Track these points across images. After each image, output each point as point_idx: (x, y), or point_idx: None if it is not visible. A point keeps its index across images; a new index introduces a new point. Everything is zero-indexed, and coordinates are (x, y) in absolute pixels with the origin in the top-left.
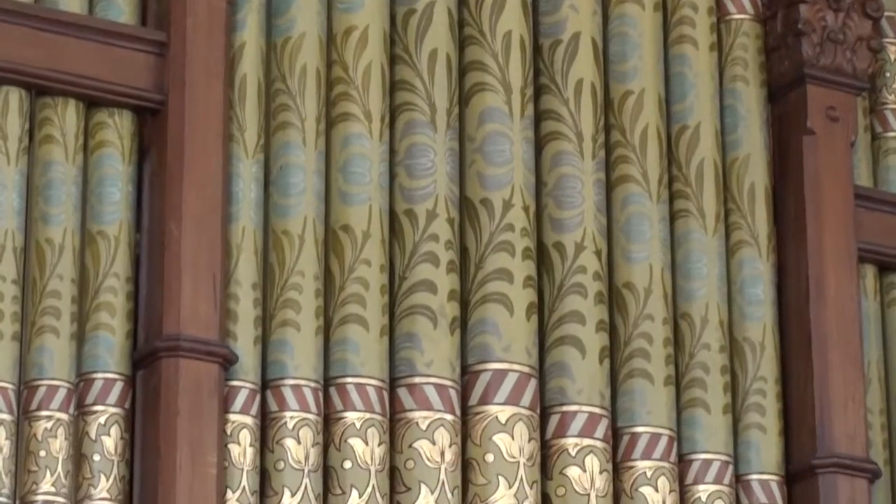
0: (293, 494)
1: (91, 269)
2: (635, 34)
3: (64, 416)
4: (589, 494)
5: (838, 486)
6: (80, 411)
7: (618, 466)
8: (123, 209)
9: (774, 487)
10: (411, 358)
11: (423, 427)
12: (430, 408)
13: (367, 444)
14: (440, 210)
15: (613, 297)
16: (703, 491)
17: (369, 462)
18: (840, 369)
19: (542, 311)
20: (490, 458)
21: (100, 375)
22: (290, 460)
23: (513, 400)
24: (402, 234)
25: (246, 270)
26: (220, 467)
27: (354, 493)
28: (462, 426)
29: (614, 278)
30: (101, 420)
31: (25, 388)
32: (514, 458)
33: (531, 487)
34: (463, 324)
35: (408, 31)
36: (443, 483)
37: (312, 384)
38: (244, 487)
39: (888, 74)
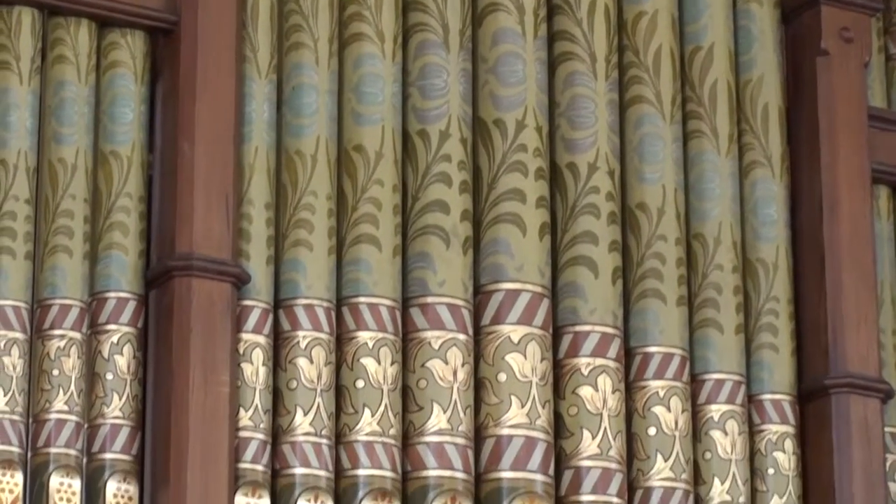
0: (305, 413)
1: (104, 189)
2: None
3: (77, 335)
4: (601, 414)
5: (851, 405)
6: (93, 330)
7: (630, 386)
8: (136, 129)
9: (787, 407)
10: (424, 278)
11: (436, 347)
12: (442, 327)
13: (379, 363)
14: (453, 130)
15: (626, 218)
16: (716, 410)
17: (382, 381)
18: (853, 289)
19: (554, 231)
20: (502, 377)
21: (112, 295)
22: (303, 379)
23: (525, 320)
24: (414, 155)
25: (259, 190)
26: (233, 386)
27: (367, 412)
28: (474, 346)
29: (627, 199)
30: (114, 339)
31: (38, 307)
32: (526, 377)
33: (543, 407)
34: (476, 244)
35: None
36: (455, 402)
37: (325, 304)
38: (257, 406)
39: None
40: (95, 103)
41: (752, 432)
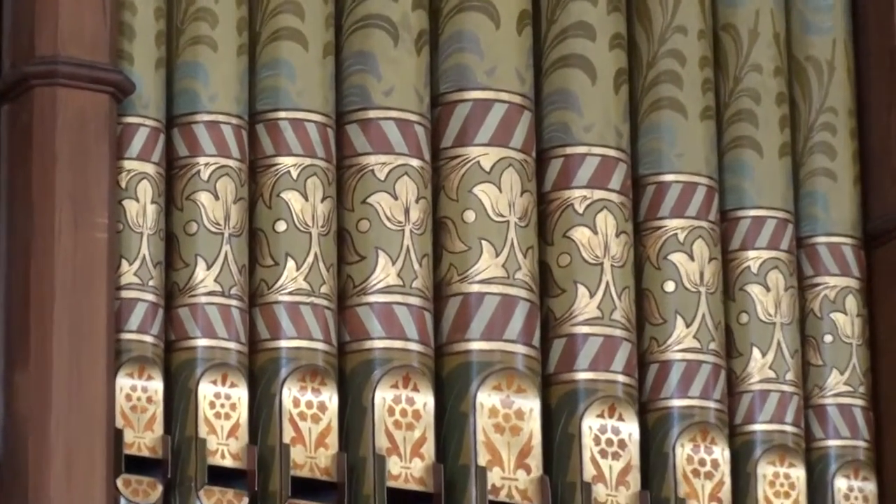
0: (209, 266)
1: None
2: None
3: None
4: (602, 264)
5: None
6: None
7: (640, 227)
8: None
9: (848, 254)
10: (364, 84)
11: (382, 176)
12: (390, 150)
13: (306, 198)
14: None
15: (633, 3)
16: (754, 258)
17: (310, 223)
18: None
19: (537, 22)
20: (470, 216)
21: None
22: (206, 221)
23: (500, 139)
24: None
25: None
26: (112, 230)
27: (290, 263)
28: (433, 175)
29: None
30: None
31: None
32: (502, 216)
33: (525, 255)
34: (433, 40)
35: None
36: (407, 250)
37: (234, 120)
38: (144, 257)
39: None
40: None
41: (802, 287)
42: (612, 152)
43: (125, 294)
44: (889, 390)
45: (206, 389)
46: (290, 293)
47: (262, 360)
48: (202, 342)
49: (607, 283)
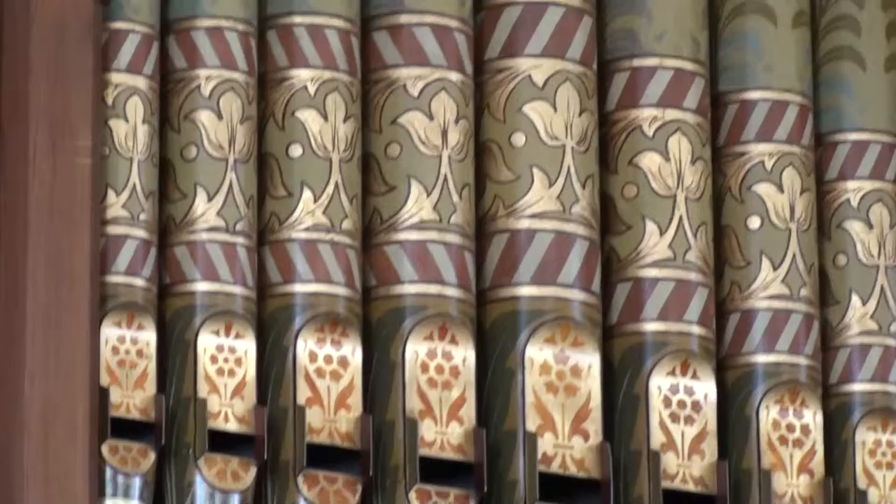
0: (211, 197)
1: None
2: None
3: None
4: (675, 196)
5: None
6: None
7: (720, 153)
8: None
9: None
10: None
11: (415, 93)
12: (424, 62)
13: (325, 118)
14: None
15: None
16: (854, 190)
17: (329, 147)
18: None
19: None
20: (519, 139)
21: None
22: (207, 145)
23: (555, 49)
24: None
25: None
26: (97, 156)
27: (306, 194)
28: (475, 91)
29: None
30: None
31: None
32: (556, 140)
33: (583, 185)
34: None
35: None
36: (444, 179)
37: (240, 26)
38: (134, 187)
39: None
40: None
41: None
42: (687, 65)
43: (112, 230)
44: None
45: (207, 341)
46: (307, 229)
47: (273, 307)
48: (202, 286)
49: (680, 219)
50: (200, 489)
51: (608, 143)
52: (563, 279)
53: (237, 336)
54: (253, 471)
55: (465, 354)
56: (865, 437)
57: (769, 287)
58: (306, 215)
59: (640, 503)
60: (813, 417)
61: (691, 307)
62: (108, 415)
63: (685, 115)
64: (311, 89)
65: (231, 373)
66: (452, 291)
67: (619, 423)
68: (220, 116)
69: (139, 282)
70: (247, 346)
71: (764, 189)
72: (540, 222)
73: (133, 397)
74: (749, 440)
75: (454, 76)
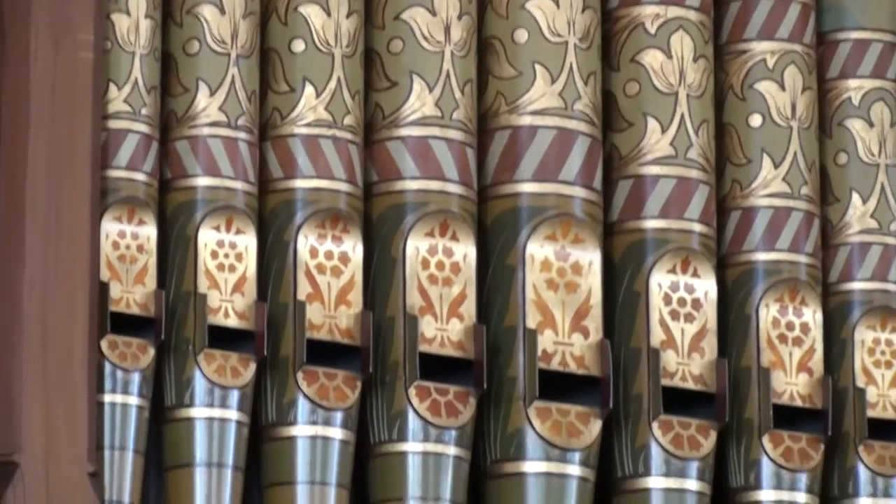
0: (213, 92)
1: None
2: None
3: None
4: (677, 93)
5: None
6: None
7: (722, 50)
8: None
9: None
10: None
11: None
12: None
13: (328, 13)
14: None
15: None
16: (856, 89)
17: (332, 42)
18: None
19: None
20: (522, 36)
21: None
22: (209, 39)
23: None
24: None
25: None
26: (99, 49)
27: (308, 89)
28: None
29: None
30: None
31: None
32: (559, 36)
33: (585, 82)
34: None
35: None
36: (447, 75)
37: None
38: (136, 81)
39: None
40: None
41: None
42: None
43: (113, 124)
44: None
45: (208, 237)
46: (308, 125)
47: (274, 202)
48: (203, 181)
49: (682, 116)
50: (199, 385)
51: (610, 40)
52: (565, 176)
53: (238, 231)
54: (252, 367)
55: (465, 251)
56: (864, 335)
57: (770, 185)
58: (308, 111)
59: (640, 401)
60: (812, 316)
61: (692, 205)
62: (108, 310)
63: (688, 13)
64: None
65: (231, 268)
66: (454, 188)
67: (619, 320)
68: (222, 11)
69: (140, 176)
70: (247, 242)
71: (765, 87)
72: (542, 119)
73: (133, 292)
74: (749, 338)
75: None
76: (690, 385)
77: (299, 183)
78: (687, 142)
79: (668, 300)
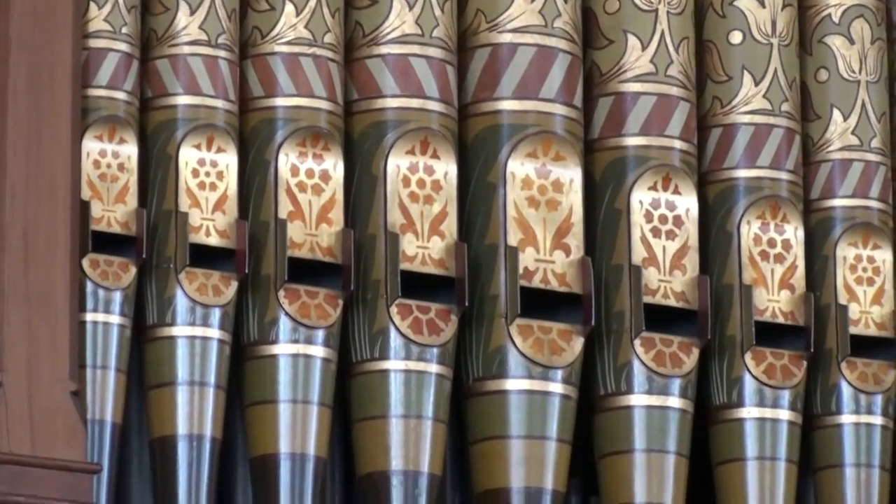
0: (193, 10)
1: None
2: None
3: None
4: (656, 10)
5: None
6: None
7: None
8: None
9: None
10: None
11: None
12: None
13: None
14: None
15: None
16: (836, 5)
17: None
18: None
19: None
20: None
21: None
22: None
23: None
24: None
25: None
26: None
27: (288, 7)
28: None
29: None
30: None
31: None
32: None
33: (566, 0)
34: None
35: None
36: None
37: None
38: (116, 0)
39: None
40: None
41: (891, 40)
42: None
43: (93, 43)
44: None
45: (189, 155)
46: (289, 42)
47: (255, 120)
48: (184, 99)
49: (662, 33)
50: (181, 303)
51: None
52: (545, 93)
53: (219, 150)
54: (234, 285)
55: (446, 169)
56: (846, 252)
57: (751, 102)
58: (288, 29)
59: (621, 318)
60: (794, 233)
61: (673, 122)
62: (89, 229)
63: None
64: None
65: (212, 187)
66: (434, 105)
67: (601, 237)
68: None
69: (121, 95)
70: (228, 160)
71: (746, 4)
72: (521, 36)
73: (114, 211)
74: (730, 255)
75: None
76: (672, 302)
77: (280, 101)
78: (667, 59)
79: (649, 217)
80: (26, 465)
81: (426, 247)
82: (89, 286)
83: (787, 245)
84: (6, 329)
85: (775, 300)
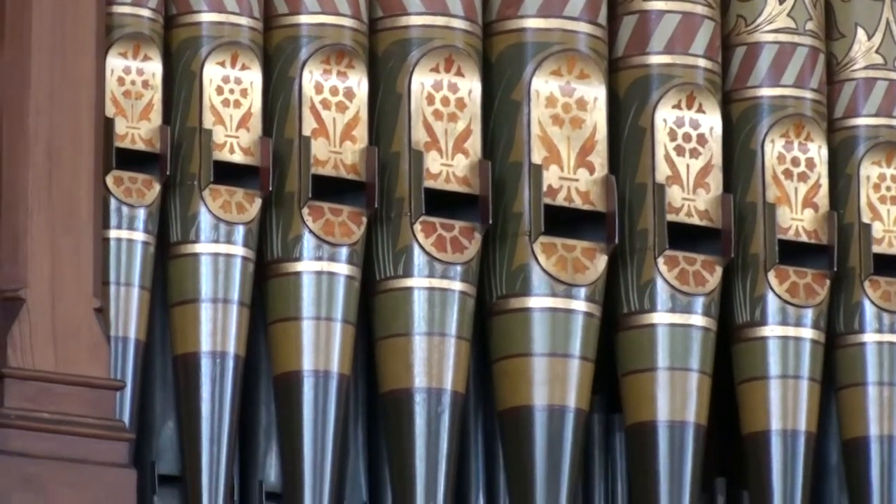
0: None
1: None
2: None
3: None
4: None
5: None
6: None
7: None
8: None
9: None
10: None
11: None
12: None
13: None
14: None
15: None
16: None
17: None
18: None
19: None
20: None
21: None
22: None
23: None
24: None
25: None
26: None
27: None
28: None
29: None
30: None
31: None
32: None
33: None
34: None
35: None
36: None
37: None
38: None
39: None
40: None
41: None
42: None
43: None
44: None
45: (213, 72)
46: None
47: (279, 38)
48: (208, 17)
49: None
50: (205, 220)
51: None
52: (570, 11)
53: (243, 67)
54: (258, 202)
55: (470, 86)
56: (870, 171)
57: (775, 20)
58: None
59: (645, 236)
60: (818, 151)
61: (697, 40)
62: (113, 145)
63: None
64: None
65: (237, 104)
66: (458, 23)
67: (624, 156)
68: None
69: (145, 12)
70: (252, 78)
71: None
72: None
73: (138, 128)
74: (754, 174)
75: None
76: (696, 220)
77: (304, 19)
78: None
79: (673, 136)
80: (50, 381)
81: (450, 164)
82: (113, 203)
83: (810, 164)
84: (30, 244)
85: (799, 219)
